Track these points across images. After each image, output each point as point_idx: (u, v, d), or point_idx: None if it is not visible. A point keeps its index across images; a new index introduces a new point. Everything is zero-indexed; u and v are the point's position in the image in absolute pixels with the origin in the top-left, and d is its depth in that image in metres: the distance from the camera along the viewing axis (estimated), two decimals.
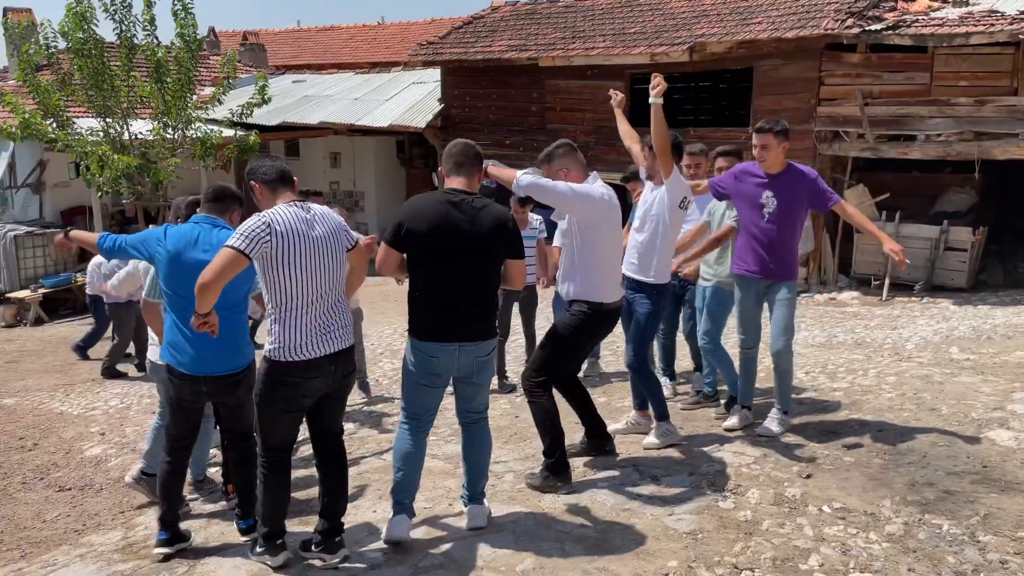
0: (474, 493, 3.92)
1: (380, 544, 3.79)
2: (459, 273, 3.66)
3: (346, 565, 3.60)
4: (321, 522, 3.65)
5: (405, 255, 3.70)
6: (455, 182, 3.74)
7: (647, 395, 4.94)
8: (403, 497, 3.77)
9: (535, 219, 6.93)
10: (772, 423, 4.96)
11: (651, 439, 4.87)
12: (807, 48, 11.92)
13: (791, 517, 3.84)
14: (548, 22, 15.42)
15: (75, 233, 4.14)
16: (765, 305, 5.02)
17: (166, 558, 3.79)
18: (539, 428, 4.39)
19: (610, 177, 5.62)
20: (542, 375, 4.38)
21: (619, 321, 4.63)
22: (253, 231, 3.32)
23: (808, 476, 4.29)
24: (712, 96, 16.47)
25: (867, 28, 11.28)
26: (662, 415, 4.87)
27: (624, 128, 5.16)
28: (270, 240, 3.33)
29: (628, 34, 13.81)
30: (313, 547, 3.64)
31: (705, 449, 4.79)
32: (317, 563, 3.60)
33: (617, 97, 5.07)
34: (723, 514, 3.90)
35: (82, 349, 9.57)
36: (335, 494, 3.69)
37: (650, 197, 4.76)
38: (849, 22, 11.51)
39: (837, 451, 4.65)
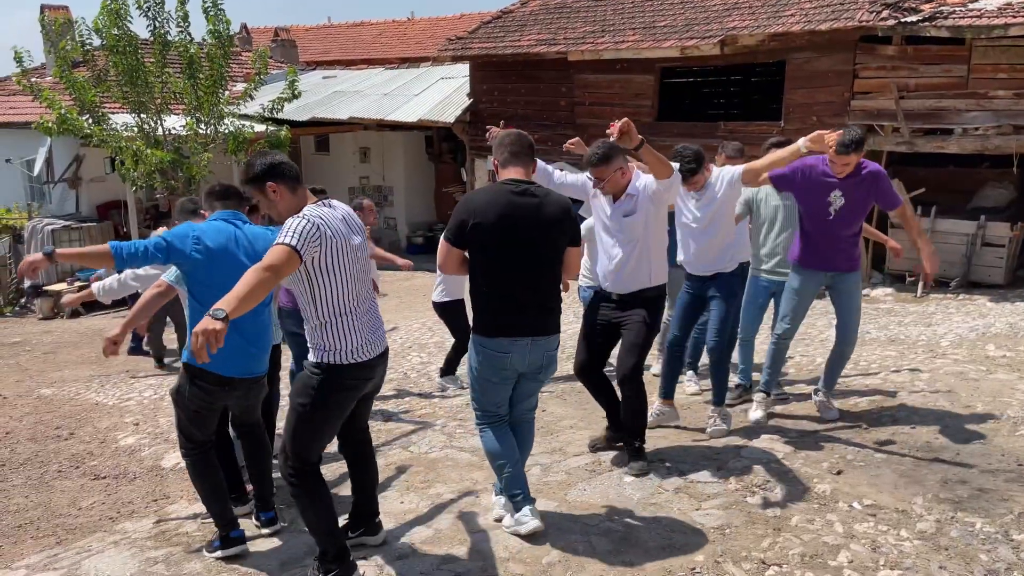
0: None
1: (408, 535, 3.81)
2: (530, 264, 3.60)
3: (375, 557, 3.62)
4: (359, 508, 3.71)
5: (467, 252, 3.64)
6: (513, 172, 3.65)
7: (721, 381, 5.00)
8: (518, 490, 3.73)
9: None
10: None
11: (719, 426, 4.87)
12: (841, 40, 11.74)
13: (820, 513, 3.80)
14: (577, 16, 15.35)
15: (63, 251, 3.59)
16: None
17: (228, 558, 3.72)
18: (635, 421, 4.41)
19: None
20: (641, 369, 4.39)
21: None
22: (306, 231, 3.08)
23: (839, 472, 4.25)
24: (743, 90, 16.30)
25: (903, 20, 11.08)
26: (721, 400, 5.03)
27: (651, 159, 4.09)
28: (319, 243, 3.12)
29: (658, 27, 13.71)
30: (351, 533, 3.68)
31: (733, 444, 4.76)
32: (368, 543, 3.69)
33: (613, 128, 3.98)
34: (751, 509, 3.87)
35: (136, 349, 9.51)
36: (372, 482, 3.76)
37: (709, 200, 4.80)
38: (884, 14, 11.31)
39: (868, 448, 4.59)
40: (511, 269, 3.58)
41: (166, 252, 3.63)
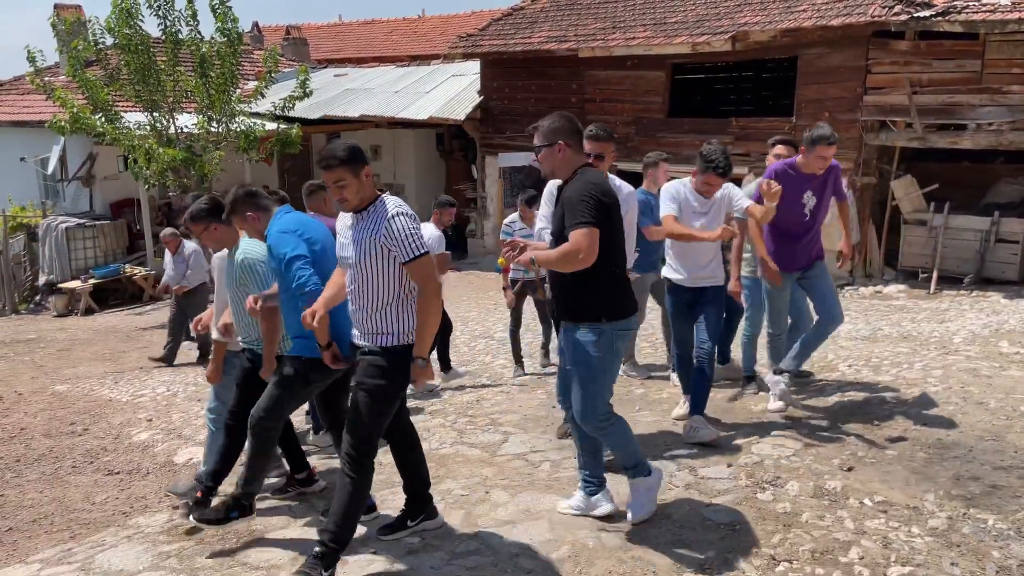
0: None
1: (416, 534, 3.82)
2: (623, 244, 3.72)
3: (384, 552, 3.64)
4: (417, 493, 3.79)
5: None
6: (583, 157, 3.68)
7: (702, 389, 4.91)
8: (644, 459, 3.80)
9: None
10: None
11: (694, 435, 4.79)
12: (853, 36, 11.67)
13: (831, 510, 3.79)
14: (588, 12, 15.32)
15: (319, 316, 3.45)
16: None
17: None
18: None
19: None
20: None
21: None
22: (420, 232, 3.39)
23: (850, 469, 4.23)
24: (754, 86, 16.24)
25: (916, 15, 11.00)
26: (699, 408, 4.91)
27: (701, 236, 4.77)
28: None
29: (669, 23, 13.66)
30: (411, 522, 3.77)
31: (743, 441, 4.75)
32: (429, 527, 3.78)
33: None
34: (761, 506, 3.86)
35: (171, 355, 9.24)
36: (422, 462, 3.82)
37: (715, 212, 4.92)
38: (897, 9, 11.23)
39: (880, 444, 4.57)
40: (621, 248, 3.67)
41: (311, 262, 3.71)
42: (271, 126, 14.56)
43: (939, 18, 10.83)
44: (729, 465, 4.37)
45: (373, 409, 3.35)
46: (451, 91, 16.75)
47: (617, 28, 14.19)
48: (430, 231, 6.23)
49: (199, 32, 13.54)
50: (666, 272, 5.06)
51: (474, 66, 16.53)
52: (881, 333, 8.02)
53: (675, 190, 4.84)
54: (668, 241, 5.00)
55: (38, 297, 14.63)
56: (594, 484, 3.85)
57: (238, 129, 13.80)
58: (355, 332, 3.49)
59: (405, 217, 3.32)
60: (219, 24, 13.41)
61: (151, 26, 13.30)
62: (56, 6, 17.21)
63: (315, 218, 4.47)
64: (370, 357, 3.39)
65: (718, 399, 5.70)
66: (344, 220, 3.51)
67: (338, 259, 3.57)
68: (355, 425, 3.37)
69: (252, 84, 14.87)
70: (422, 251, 3.30)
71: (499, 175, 16.02)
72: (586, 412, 3.59)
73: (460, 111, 15.74)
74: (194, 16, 13.37)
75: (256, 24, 23.48)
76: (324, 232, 3.97)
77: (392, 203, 3.40)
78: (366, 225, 3.35)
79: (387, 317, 3.37)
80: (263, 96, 14.21)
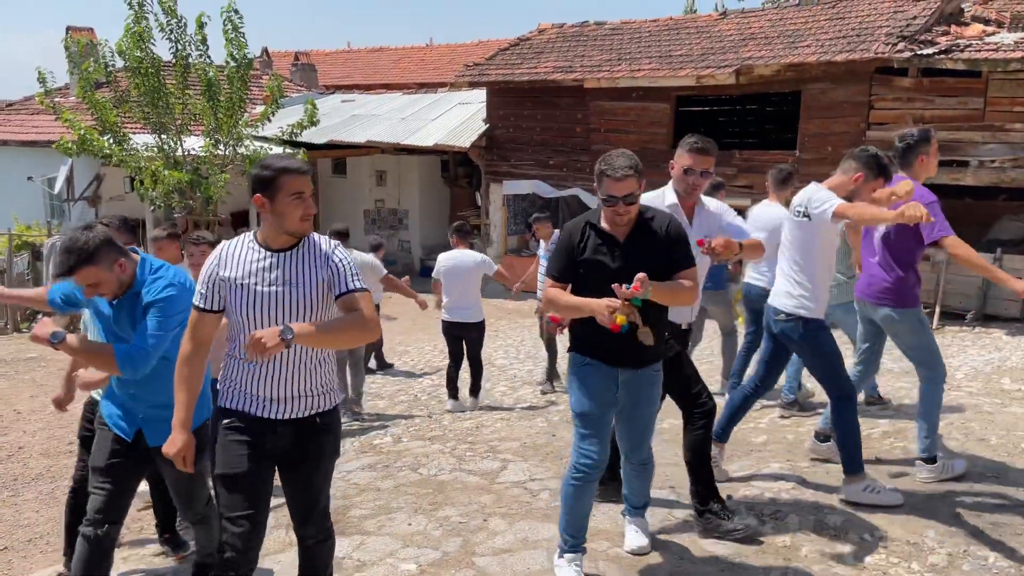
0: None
1: (416, 558, 3.80)
2: None
3: None
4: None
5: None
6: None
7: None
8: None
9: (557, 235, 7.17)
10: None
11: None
12: (857, 72, 11.79)
13: (831, 544, 3.76)
14: (594, 44, 15.50)
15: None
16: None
17: None
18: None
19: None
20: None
21: None
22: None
23: (851, 504, 4.20)
24: (757, 119, 16.37)
25: (919, 52, 11.12)
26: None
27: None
28: None
29: (674, 56, 13.81)
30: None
31: (744, 473, 4.73)
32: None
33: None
34: (762, 539, 3.83)
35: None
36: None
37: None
38: (900, 46, 11.36)
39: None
40: None
41: None
42: (277, 150, 14.68)
43: (942, 56, 10.95)
44: (729, 497, 4.34)
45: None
46: (457, 119, 16.91)
47: (623, 60, 14.34)
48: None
49: (209, 56, 13.71)
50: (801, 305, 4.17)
51: (480, 94, 16.70)
52: (883, 367, 7.99)
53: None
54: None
55: (39, 316, 14.64)
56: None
57: (244, 153, 13.92)
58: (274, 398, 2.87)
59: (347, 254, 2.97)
60: (229, 49, 13.57)
61: (162, 49, 13.48)
62: (69, 28, 17.45)
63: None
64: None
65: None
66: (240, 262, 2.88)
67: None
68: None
69: (259, 108, 15.02)
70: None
71: (503, 202, 16.11)
72: (644, 445, 3.60)
73: (466, 139, 15.87)
74: (203, 41, 13.54)
75: (266, 50, 23.75)
76: None
77: None
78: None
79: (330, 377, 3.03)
80: (270, 120, 14.34)
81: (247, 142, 14.07)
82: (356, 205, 19.41)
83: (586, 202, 14.90)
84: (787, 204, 4.97)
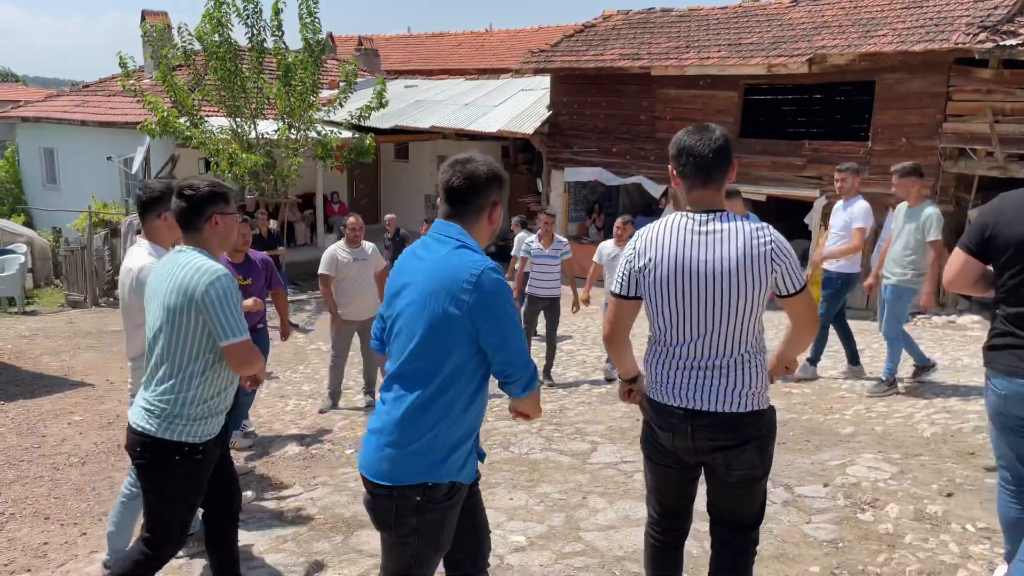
0: None
1: (523, 530, 3.94)
2: None
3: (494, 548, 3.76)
4: None
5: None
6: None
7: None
8: None
9: (561, 241, 7.81)
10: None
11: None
12: (934, 62, 11.56)
13: (934, 533, 3.81)
14: (661, 31, 15.42)
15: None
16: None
17: None
18: None
19: None
20: None
21: None
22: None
23: (949, 495, 4.24)
24: (827, 108, 16.13)
25: (1001, 43, 10.86)
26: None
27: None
28: None
29: (744, 44, 13.68)
30: None
31: (837, 463, 4.78)
32: None
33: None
34: (863, 526, 3.90)
35: None
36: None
37: None
38: (982, 36, 11.10)
39: (976, 472, 4.57)
40: None
41: None
42: (346, 134, 14.93)
43: None
44: (825, 485, 4.41)
45: None
46: (520, 105, 16.97)
47: (691, 47, 14.25)
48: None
49: (284, 42, 13.98)
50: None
51: (543, 81, 16.73)
52: (960, 363, 7.93)
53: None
54: None
55: (117, 291, 15.14)
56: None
57: (315, 136, 14.19)
58: None
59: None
60: (304, 33, 13.83)
61: (238, 34, 13.78)
62: (144, 12, 17.90)
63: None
64: None
65: (803, 420, 5.73)
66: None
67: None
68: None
69: (326, 93, 15.27)
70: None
71: (564, 189, 16.16)
72: None
73: (528, 125, 15.93)
74: (279, 27, 13.82)
75: (330, 34, 23.99)
76: None
77: None
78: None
79: None
80: (342, 106, 14.58)
81: (318, 126, 14.33)
82: (417, 189, 19.64)
83: (648, 190, 14.89)
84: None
